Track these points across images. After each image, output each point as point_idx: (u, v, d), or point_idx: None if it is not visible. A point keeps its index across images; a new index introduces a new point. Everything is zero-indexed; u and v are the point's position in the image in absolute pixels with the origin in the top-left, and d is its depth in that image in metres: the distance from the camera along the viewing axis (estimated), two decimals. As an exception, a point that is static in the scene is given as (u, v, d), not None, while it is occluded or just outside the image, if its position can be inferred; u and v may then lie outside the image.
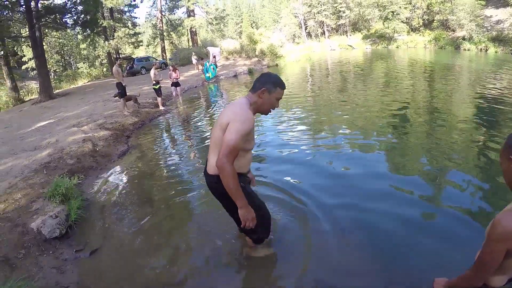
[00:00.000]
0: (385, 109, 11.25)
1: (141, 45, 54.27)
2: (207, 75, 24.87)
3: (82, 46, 47.23)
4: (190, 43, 55.54)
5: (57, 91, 28.59)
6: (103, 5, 36.51)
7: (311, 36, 75.53)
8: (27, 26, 23.49)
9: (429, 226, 4.42)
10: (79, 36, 43.59)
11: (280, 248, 4.06)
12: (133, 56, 45.01)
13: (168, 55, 51.47)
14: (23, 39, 30.72)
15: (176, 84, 16.31)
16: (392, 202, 5.04)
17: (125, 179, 7.21)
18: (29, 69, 43.26)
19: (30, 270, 3.99)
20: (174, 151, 9.04)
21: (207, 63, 25.83)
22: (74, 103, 18.75)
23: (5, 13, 24.05)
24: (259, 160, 7.22)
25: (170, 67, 16.84)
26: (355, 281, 3.56)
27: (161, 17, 51.47)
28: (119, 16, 44.70)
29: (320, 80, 22.85)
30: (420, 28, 53.42)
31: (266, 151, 7.90)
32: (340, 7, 66.76)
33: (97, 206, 5.89)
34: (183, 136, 10.69)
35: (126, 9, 45.69)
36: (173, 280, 3.80)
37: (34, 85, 31.62)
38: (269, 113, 3.33)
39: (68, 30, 37.26)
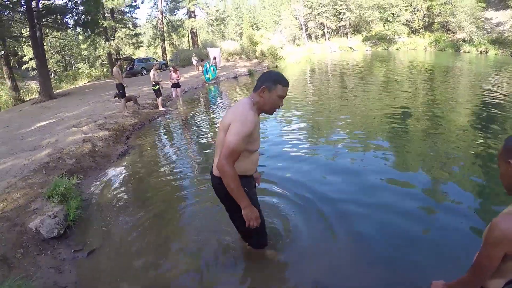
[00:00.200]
0: (385, 111, 11.25)
1: (142, 46, 54.28)
2: (207, 76, 24.84)
3: (83, 46, 47.16)
4: (191, 44, 55.53)
5: (57, 91, 28.59)
6: (104, 6, 36.47)
7: (311, 38, 75.54)
8: (27, 26, 23.49)
9: (428, 228, 4.42)
10: (80, 37, 43.49)
11: (280, 248, 4.06)
12: (134, 57, 44.96)
13: (169, 56, 51.42)
14: (23, 39, 30.69)
15: (176, 85, 16.31)
16: (391, 203, 5.04)
17: (124, 179, 7.21)
18: (29, 69, 43.20)
19: (28, 270, 4.00)
20: (174, 152, 9.04)
21: (207, 64, 25.79)
22: (74, 103, 18.75)
23: (6, 13, 24.06)
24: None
25: (170, 68, 16.83)
26: (354, 281, 3.57)
27: (162, 18, 51.44)
28: (119, 16, 44.66)
29: (320, 81, 22.86)
30: (421, 30, 53.52)
31: (265, 149, 7.91)
32: (341, 9, 66.78)
33: (95, 206, 5.89)
34: (183, 137, 10.70)
35: (127, 10, 45.65)
36: (172, 280, 3.81)
37: (34, 85, 31.61)
38: (274, 112, 3.24)
39: (69, 31, 37.18)
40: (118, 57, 41.24)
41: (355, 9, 63.72)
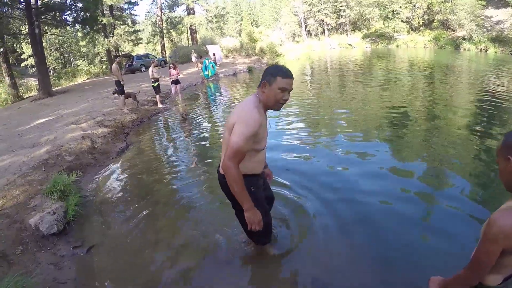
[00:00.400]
0: (384, 108, 11.28)
1: (141, 43, 54.26)
2: (206, 73, 24.81)
3: (82, 43, 47.07)
4: (190, 41, 55.47)
5: (56, 88, 28.58)
6: (103, 3, 36.35)
7: (311, 35, 75.52)
8: (26, 23, 23.41)
9: (426, 224, 4.44)
10: (79, 34, 43.51)
11: (279, 247, 4.06)
12: (133, 54, 44.91)
13: (168, 53, 51.38)
14: (22, 36, 30.57)
15: (176, 81, 16.29)
16: (390, 200, 5.07)
17: (123, 176, 7.22)
18: (28, 66, 43.18)
19: (28, 266, 4.00)
20: (173, 148, 9.05)
21: (206, 60, 25.75)
22: (73, 100, 18.74)
23: (4, 10, 23.98)
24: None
25: (170, 64, 16.80)
26: (353, 280, 3.57)
27: (161, 14, 51.37)
28: (118, 13, 44.55)
29: (319, 78, 22.90)
30: (420, 28, 53.46)
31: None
32: (341, 6, 66.74)
33: (95, 203, 5.90)
34: (182, 133, 10.68)
35: (126, 6, 45.53)
36: (171, 277, 3.81)
37: (33, 82, 31.60)
38: (280, 108, 3.08)
39: (68, 28, 37.20)
40: (117, 54, 41.17)
41: (355, 6, 63.68)
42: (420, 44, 49.42)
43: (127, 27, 43.58)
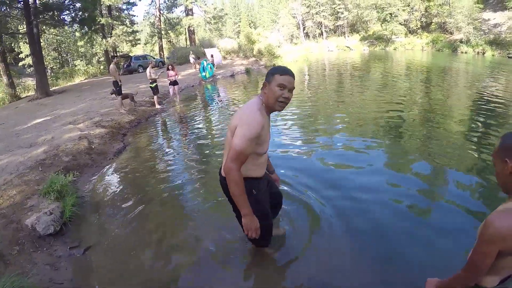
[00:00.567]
0: (382, 110, 11.30)
1: (139, 43, 54.27)
2: (203, 74, 24.80)
3: (80, 43, 47.09)
4: (188, 42, 55.48)
5: (54, 88, 28.51)
6: (101, 3, 36.37)
7: (309, 37, 75.71)
8: (24, 23, 23.38)
9: (423, 225, 4.44)
10: (77, 34, 43.41)
11: (277, 248, 4.05)
12: (131, 54, 44.86)
13: (166, 53, 51.39)
14: (20, 36, 30.52)
15: (174, 82, 16.28)
16: (389, 201, 5.09)
17: (120, 177, 7.21)
18: (26, 66, 43.08)
19: (24, 267, 4.00)
20: (170, 149, 9.04)
21: (204, 61, 25.74)
22: (71, 100, 18.71)
23: (3, 9, 23.92)
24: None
25: (169, 66, 16.76)
26: (352, 279, 3.58)
27: (159, 15, 51.38)
28: (117, 14, 44.62)
29: (317, 80, 22.89)
30: (418, 31, 53.71)
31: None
32: (339, 8, 66.98)
33: (92, 203, 5.89)
34: (179, 134, 10.69)
35: (124, 7, 45.66)
36: (169, 277, 3.81)
37: (30, 82, 31.49)
38: (283, 107, 3.00)
39: (66, 27, 37.12)
40: (115, 55, 41.15)
41: (353, 8, 63.87)
42: (418, 47, 49.66)
43: (125, 28, 43.70)
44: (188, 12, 52.13)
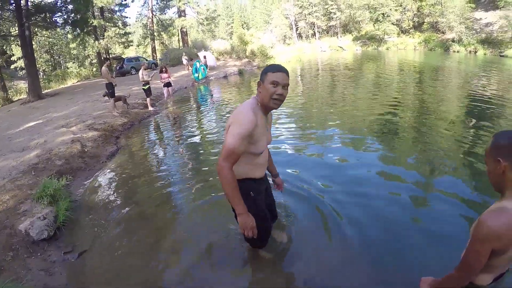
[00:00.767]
0: (374, 109, 11.35)
1: (132, 45, 54.13)
2: (196, 75, 24.78)
3: (72, 45, 46.95)
4: (181, 44, 55.40)
5: (46, 91, 28.32)
6: (94, 4, 36.24)
7: (301, 37, 75.89)
8: (16, 25, 23.27)
9: (420, 224, 4.46)
10: (69, 36, 43.36)
11: (274, 249, 4.03)
12: (123, 56, 44.73)
13: (159, 55, 51.30)
14: (12, 38, 30.40)
15: (167, 84, 16.25)
16: (384, 200, 5.11)
17: (114, 180, 7.18)
18: (18, 69, 42.90)
19: (18, 272, 3.97)
20: (163, 151, 9.03)
21: (197, 63, 25.70)
22: (63, 103, 18.63)
23: (-6, 11, 23.90)
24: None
25: (163, 68, 16.73)
26: (348, 280, 3.59)
27: (152, 17, 51.24)
28: (109, 15, 44.45)
29: (310, 80, 22.97)
30: (410, 30, 54.00)
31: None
32: (331, 9, 67.28)
33: (85, 207, 5.86)
34: (172, 136, 10.66)
35: (116, 8, 45.48)
36: (165, 281, 3.80)
37: (23, 84, 31.38)
38: (278, 105, 2.97)
39: (58, 29, 37.00)
40: (108, 57, 41.00)
41: (346, 9, 64.15)
42: (410, 46, 49.92)
43: (118, 29, 43.59)
44: (181, 13, 52.05)
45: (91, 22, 34.80)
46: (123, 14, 48.43)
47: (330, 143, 8.05)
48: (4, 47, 38.69)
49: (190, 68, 28.42)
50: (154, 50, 52.45)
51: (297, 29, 75.87)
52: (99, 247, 4.53)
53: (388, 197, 5.20)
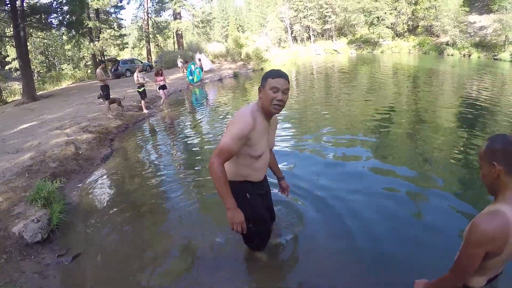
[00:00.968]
0: (369, 112, 11.38)
1: (127, 47, 54.15)
2: (191, 78, 24.75)
3: (67, 47, 46.92)
4: (176, 46, 55.35)
5: (41, 92, 28.25)
6: (89, 6, 36.20)
7: (297, 41, 76.01)
8: (11, 26, 23.21)
9: (414, 226, 4.50)
10: (64, 37, 43.25)
11: (270, 251, 4.03)
12: (118, 58, 44.63)
13: (154, 57, 51.24)
14: (7, 39, 30.31)
15: (163, 86, 16.24)
16: (378, 202, 5.14)
17: (108, 183, 7.18)
18: (12, 70, 42.75)
19: (12, 275, 3.96)
20: (158, 154, 9.01)
21: (192, 65, 25.66)
22: (58, 105, 18.57)
23: (-11, 12, 23.82)
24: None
25: (159, 71, 16.69)
26: (344, 281, 3.62)
27: (147, 19, 51.22)
28: (105, 17, 44.46)
29: (304, 83, 23.00)
30: (405, 34, 54.12)
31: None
32: (326, 12, 67.46)
33: (79, 210, 5.85)
34: (167, 139, 10.66)
35: (112, 10, 45.44)
36: (159, 284, 3.79)
37: (17, 86, 31.23)
38: (279, 110, 3.03)
39: (53, 31, 36.95)
40: (103, 59, 40.89)
41: (341, 12, 64.25)
42: (405, 50, 50.05)
43: (113, 31, 43.61)
44: (176, 16, 52.01)
45: (86, 23, 34.79)
46: (119, 16, 48.56)
47: (325, 144, 8.10)
48: (-2, 48, 38.57)
49: (185, 70, 28.39)
50: (149, 52, 52.38)
51: (292, 32, 76.00)
52: (93, 250, 4.52)
53: (383, 199, 5.23)
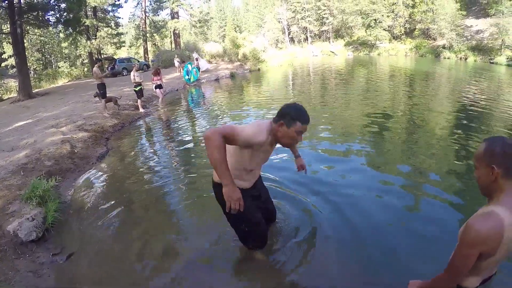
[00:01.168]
0: (365, 113, 11.45)
1: (124, 46, 53.88)
2: (187, 77, 24.71)
3: (64, 45, 46.63)
4: (173, 46, 55.27)
5: (37, 90, 28.06)
6: (87, 4, 36.06)
7: (294, 42, 76.08)
8: (8, 22, 23.08)
9: (407, 227, 4.54)
10: (61, 35, 43.11)
11: (267, 251, 4.04)
12: (115, 57, 44.49)
13: (151, 56, 51.16)
14: (3, 35, 30.15)
15: (159, 86, 16.21)
16: (372, 202, 5.19)
17: (103, 181, 7.16)
18: (8, 67, 42.51)
19: (7, 274, 3.96)
20: (153, 153, 9.00)
21: (188, 65, 25.62)
22: (54, 103, 18.48)
23: (-14, 9, 23.68)
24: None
25: (158, 70, 16.67)
26: (339, 281, 3.65)
27: (145, 18, 51.15)
28: (102, 15, 44.24)
29: (301, 85, 23.04)
30: (402, 36, 54.25)
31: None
32: (324, 14, 67.57)
33: (74, 208, 5.84)
34: (163, 138, 10.67)
35: (109, 8, 45.24)
36: (155, 283, 3.79)
37: (13, 83, 31.07)
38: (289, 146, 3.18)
39: (50, 28, 36.74)
40: (99, 57, 40.78)
41: (338, 14, 64.40)
42: (401, 52, 50.17)
43: (110, 30, 43.42)
44: (174, 15, 51.98)
45: (83, 21, 34.57)
46: (116, 14, 48.28)
47: (320, 145, 8.13)
48: (-5, 45, 38.40)
49: (181, 70, 28.34)
50: (146, 51, 52.27)
51: (289, 34, 76.12)
52: (88, 249, 4.52)
53: (377, 200, 5.28)
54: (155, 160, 8.32)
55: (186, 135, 10.51)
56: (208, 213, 4.92)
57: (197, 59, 29.58)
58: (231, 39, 40.81)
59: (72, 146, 9.00)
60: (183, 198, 5.82)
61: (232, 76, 29.88)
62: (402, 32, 54.23)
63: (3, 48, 42.05)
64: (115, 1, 44.29)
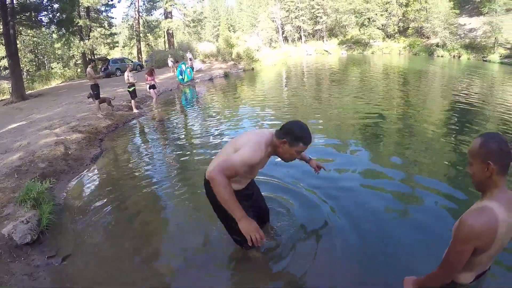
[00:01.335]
0: (359, 113, 11.49)
1: (117, 46, 53.81)
2: (181, 77, 24.69)
3: (57, 45, 46.48)
4: (167, 45, 55.20)
5: (30, 91, 27.88)
6: (80, 4, 35.93)
7: (287, 41, 76.06)
8: (1, 23, 22.95)
9: (403, 224, 4.59)
10: (54, 35, 42.93)
11: (263, 251, 4.06)
12: (108, 57, 44.34)
13: (144, 56, 51.07)
14: (-4, 37, 30.06)
15: (153, 86, 16.18)
16: (368, 200, 5.22)
17: (97, 183, 7.15)
18: (1, 68, 42.31)
19: (2, 277, 3.94)
20: (148, 154, 8.99)
21: (182, 65, 25.57)
22: (47, 104, 18.40)
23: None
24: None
25: (152, 70, 16.64)
26: (336, 279, 3.67)
27: (138, 18, 51.05)
28: (95, 15, 44.08)
29: (295, 84, 23.08)
30: (396, 35, 54.44)
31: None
32: (317, 13, 67.56)
33: (69, 211, 5.81)
34: (157, 139, 10.66)
35: (103, 8, 45.12)
36: (151, 285, 3.78)
37: (6, 85, 30.88)
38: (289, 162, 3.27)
39: (43, 29, 36.56)
40: (93, 58, 40.63)
41: (332, 13, 64.40)
42: (395, 51, 50.36)
43: (104, 30, 43.30)
44: (167, 15, 51.95)
45: (76, 22, 34.52)
46: (109, 14, 48.18)
47: (316, 144, 8.09)
48: (-13, 46, 38.14)
49: (175, 70, 28.29)
50: (139, 51, 52.18)
51: (283, 33, 76.10)
52: (83, 251, 4.51)
53: (374, 198, 5.31)
54: (149, 161, 8.32)
55: (180, 135, 10.51)
56: (203, 213, 4.90)
57: (190, 59, 29.54)
58: (224, 38, 40.73)
59: (66, 148, 8.97)
60: (178, 197, 5.82)
61: (226, 75, 29.85)
62: (396, 30, 54.43)
63: (-4, 49, 41.83)
64: (108, 1, 44.22)
